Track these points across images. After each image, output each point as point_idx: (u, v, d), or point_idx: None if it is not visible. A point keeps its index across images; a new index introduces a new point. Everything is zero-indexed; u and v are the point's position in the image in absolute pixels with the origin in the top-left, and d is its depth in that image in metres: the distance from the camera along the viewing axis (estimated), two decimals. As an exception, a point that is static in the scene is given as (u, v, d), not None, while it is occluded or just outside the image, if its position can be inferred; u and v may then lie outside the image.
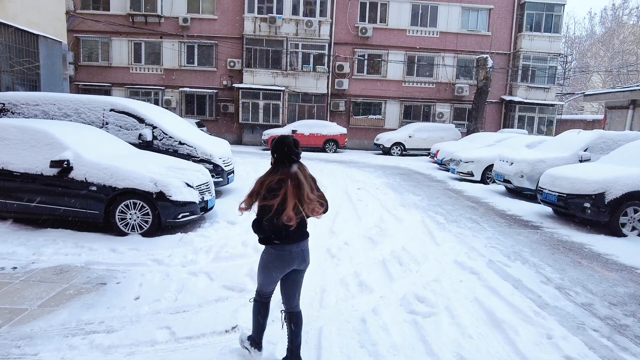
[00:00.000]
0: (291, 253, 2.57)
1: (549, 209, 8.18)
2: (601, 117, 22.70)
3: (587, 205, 6.58)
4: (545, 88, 22.49)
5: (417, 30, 22.36)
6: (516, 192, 10.01)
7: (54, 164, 5.20)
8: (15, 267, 4.22)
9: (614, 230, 6.48)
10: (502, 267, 4.87)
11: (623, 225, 6.49)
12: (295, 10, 21.44)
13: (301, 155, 2.54)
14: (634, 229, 6.51)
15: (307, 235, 2.68)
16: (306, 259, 2.69)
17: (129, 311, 3.45)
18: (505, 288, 4.22)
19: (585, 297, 4.15)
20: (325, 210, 2.69)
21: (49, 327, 3.13)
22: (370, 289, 4.07)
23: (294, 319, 2.74)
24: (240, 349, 2.91)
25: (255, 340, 2.83)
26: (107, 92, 21.49)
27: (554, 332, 3.34)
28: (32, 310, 3.38)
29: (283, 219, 2.40)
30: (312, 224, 6.27)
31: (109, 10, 21.44)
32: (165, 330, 3.18)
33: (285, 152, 2.48)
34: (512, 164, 9.59)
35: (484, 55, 20.04)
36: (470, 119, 20.76)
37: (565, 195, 6.94)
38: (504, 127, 22.58)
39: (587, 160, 8.66)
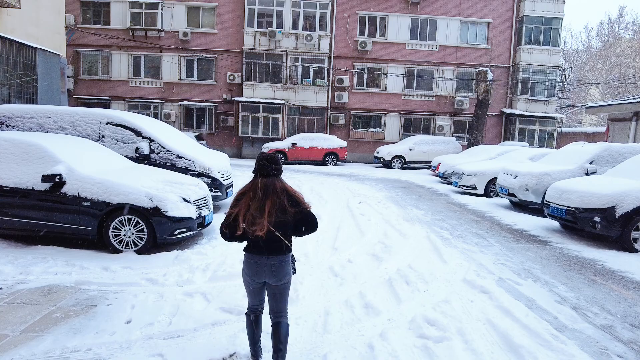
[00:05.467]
0: (258, 264, 2.63)
1: (555, 223, 7.96)
2: (601, 129, 22.63)
3: (597, 219, 6.37)
4: (545, 101, 22.47)
5: (417, 44, 22.44)
6: (521, 206, 9.81)
7: (45, 178, 5.00)
8: (0, 288, 3.99)
9: (626, 246, 6.26)
10: (513, 286, 4.65)
11: (635, 240, 6.28)
12: (295, 25, 21.54)
13: (277, 170, 2.59)
14: (646, 244, 6.30)
15: (281, 251, 2.63)
16: (275, 274, 2.63)
17: (119, 336, 3.22)
18: (519, 308, 3.98)
19: (604, 318, 3.92)
20: (311, 231, 2.69)
21: (30, 356, 2.89)
22: (377, 311, 3.83)
23: (275, 330, 2.71)
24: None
25: (250, 351, 2.91)
26: (106, 106, 21.41)
27: (576, 358, 3.11)
28: (14, 337, 3.14)
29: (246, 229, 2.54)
30: (313, 240, 5.96)
31: (109, 24, 21.52)
32: (157, 357, 2.95)
33: (257, 167, 2.60)
34: (516, 177, 9.40)
35: (484, 68, 20.04)
36: (470, 131, 20.66)
37: (574, 209, 6.74)
38: (504, 140, 22.50)
39: (593, 173, 8.48)
